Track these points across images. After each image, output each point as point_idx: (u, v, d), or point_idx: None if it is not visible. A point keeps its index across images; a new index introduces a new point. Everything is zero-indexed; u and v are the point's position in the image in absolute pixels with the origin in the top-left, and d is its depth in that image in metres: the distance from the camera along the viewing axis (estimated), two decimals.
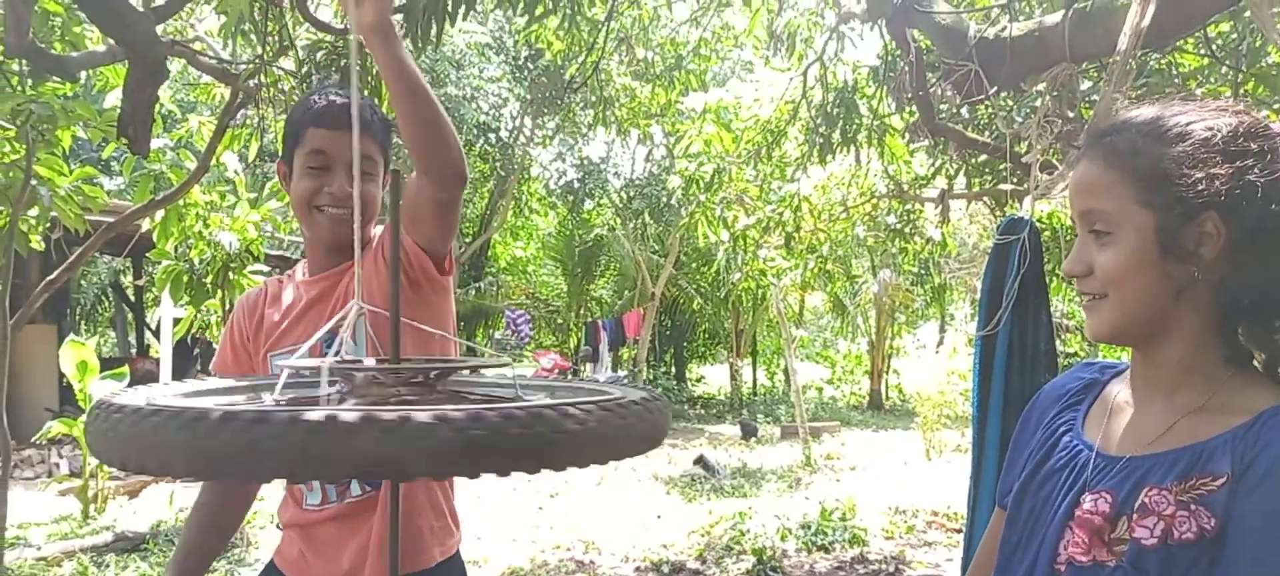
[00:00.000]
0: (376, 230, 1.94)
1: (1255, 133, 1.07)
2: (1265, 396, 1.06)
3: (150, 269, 13.64)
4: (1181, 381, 1.11)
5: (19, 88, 3.66)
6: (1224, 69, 4.78)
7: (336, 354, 1.33)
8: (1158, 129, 1.10)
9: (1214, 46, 4.79)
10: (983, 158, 6.81)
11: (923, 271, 17.37)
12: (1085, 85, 5.14)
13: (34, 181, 3.83)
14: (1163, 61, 5.06)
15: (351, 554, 1.81)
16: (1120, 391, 1.21)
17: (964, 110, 5.95)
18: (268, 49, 4.27)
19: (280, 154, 1.95)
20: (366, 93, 4.19)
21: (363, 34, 1.46)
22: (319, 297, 1.88)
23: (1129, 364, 1.22)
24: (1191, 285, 1.07)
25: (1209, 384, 1.09)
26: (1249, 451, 1.01)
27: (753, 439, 14.51)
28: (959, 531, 7.27)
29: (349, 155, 1.79)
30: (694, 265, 19.99)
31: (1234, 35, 4.82)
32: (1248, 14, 4.14)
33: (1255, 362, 1.10)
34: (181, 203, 4.92)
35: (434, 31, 3.80)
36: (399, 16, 4.24)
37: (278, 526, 1.99)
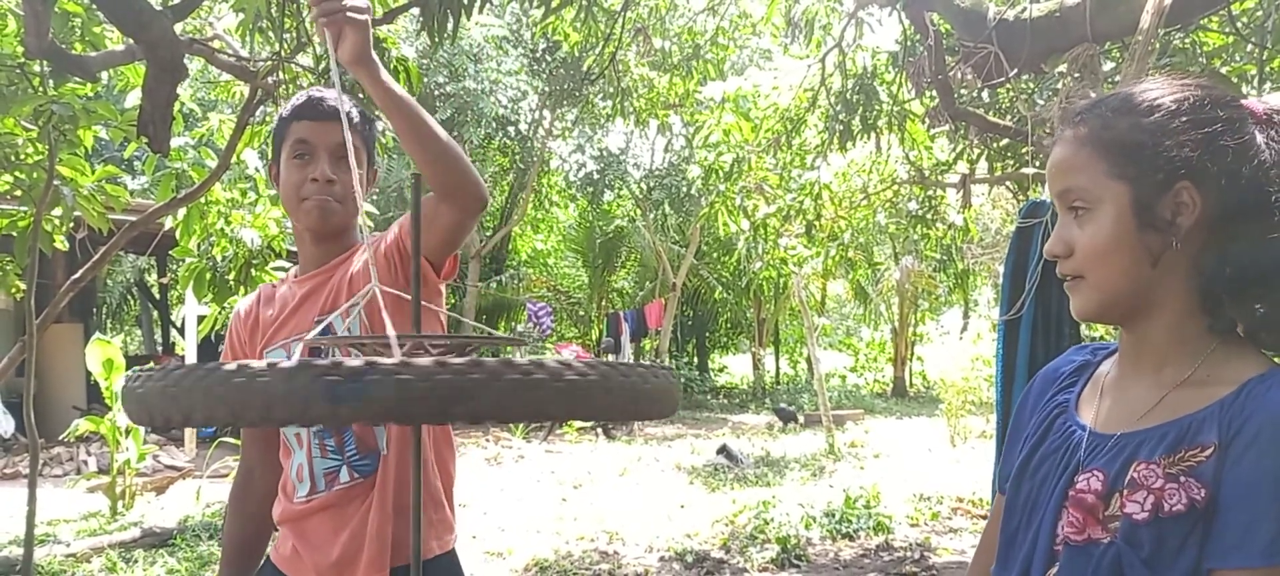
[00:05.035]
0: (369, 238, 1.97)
1: (1223, 103, 1.09)
2: (1250, 366, 1.07)
3: (174, 267, 13.74)
4: (1168, 356, 1.12)
5: (40, 89, 3.69)
6: (1249, 47, 4.71)
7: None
8: (1128, 104, 1.12)
9: (1239, 24, 4.72)
10: (1004, 141, 6.76)
11: (945, 257, 17.25)
12: (1108, 66, 5.09)
13: (57, 181, 3.86)
14: (1186, 40, 5.00)
15: (343, 543, 1.81)
16: (1112, 370, 1.22)
17: (984, 93, 5.90)
18: (285, 46, 4.28)
19: (270, 158, 2.01)
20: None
21: (348, 68, 1.57)
22: (311, 293, 1.90)
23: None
24: (1170, 257, 1.08)
25: (1195, 356, 1.10)
26: (1235, 421, 1.02)
27: (791, 424, 14.49)
28: (984, 517, 7.23)
29: (330, 142, 1.86)
30: (715, 255, 19.98)
31: (1259, 12, 4.75)
32: None
33: (1239, 330, 1.10)
34: (203, 200, 4.93)
35: (450, 25, 3.80)
36: (416, 10, 4.25)
37: (275, 527, 2.01)
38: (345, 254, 1.91)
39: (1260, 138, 1.07)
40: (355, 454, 1.83)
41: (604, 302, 21.06)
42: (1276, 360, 1.09)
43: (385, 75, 1.60)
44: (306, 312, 1.88)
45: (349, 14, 1.54)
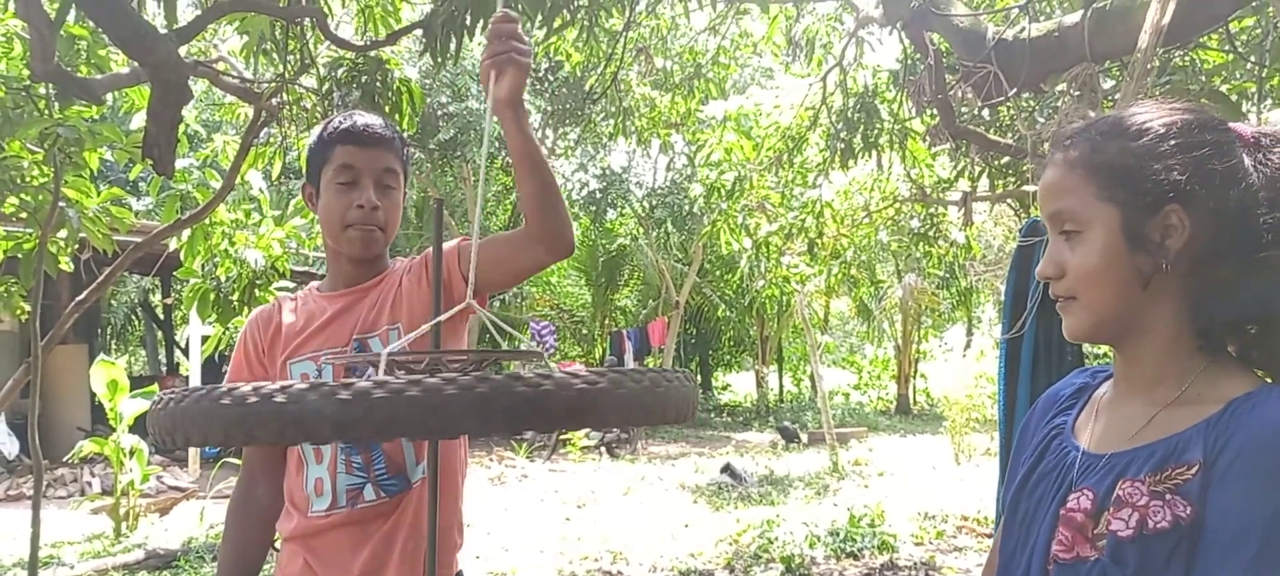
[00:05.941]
0: (400, 261, 1.97)
1: (1212, 126, 1.11)
2: (1238, 385, 1.08)
3: (178, 287, 13.77)
4: (1160, 376, 1.13)
5: (46, 111, 3.71)
6: (1248, 65, 4.72)
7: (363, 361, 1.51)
8: (1118, 127, 1.14)
9: (1237, 42, 4.74)
10: (1005, 159, 6.78)
11: (948, 275, 17.26)
12: (1108, 84, 5.10)
13: (62, 203, 3.87)
14: (1185, 59, 5.01)
15: (363, 561, 1.79)
16: (1108, 392, 1.23)
17: (985, 112, 5.92)
18: (289, 67, 4.30)
19: (305, 177, 1.97)
20: (387, 109, 4.23)
21: (496, 109, 1.57)
22: (343, 310, 1.88)
23: None
24: (1160, 278, 1.09)
25: (1186, 376, 1.11)
26: (1219, 439, 1.03)
27: (794, 443, 14.47)
28: (989, 536, 7.21)
29: (376, 168, 1.87)
30: (717, 273, 19.97)
31: (1258, 30, 4.76)
32: (1271, 9, 4.10)
33: (1231, 349, 1.12)
34: (207, 221, 4.96)
35: (453, 46, 3.82)
36: (419, 31, 4.28)
37: (275, 547, 1.99)
38: (378, 276, 1.91)
39: (1248, 161, 1.09)
40: (383, 473, 1.82)
41: (607, 321, 21.05)
42: (1267, 379, 1.10)
43: (527, 121, 1.62)
44: (339, 329, 1.87)
45: (514, 55, 1.54)
